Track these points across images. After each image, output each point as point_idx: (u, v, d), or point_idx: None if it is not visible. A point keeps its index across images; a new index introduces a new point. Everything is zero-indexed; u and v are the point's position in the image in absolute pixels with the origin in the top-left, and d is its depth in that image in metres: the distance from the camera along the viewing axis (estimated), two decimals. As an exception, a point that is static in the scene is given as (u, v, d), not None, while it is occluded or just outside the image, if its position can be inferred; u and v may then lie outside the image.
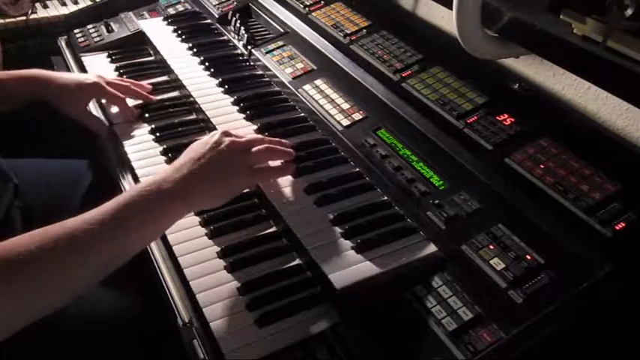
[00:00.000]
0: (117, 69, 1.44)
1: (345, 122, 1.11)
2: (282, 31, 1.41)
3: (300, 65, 1.28)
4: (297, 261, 0.92)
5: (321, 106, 1.16)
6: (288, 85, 1.24)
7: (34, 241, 0.71)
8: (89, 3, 2.08)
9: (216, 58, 1.40)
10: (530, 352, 0.70)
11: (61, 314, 0.76)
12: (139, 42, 1.57)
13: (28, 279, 0.70)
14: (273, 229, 0.98)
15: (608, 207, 0.81)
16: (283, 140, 1.02)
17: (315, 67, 1.26)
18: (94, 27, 1.62)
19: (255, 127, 1.15)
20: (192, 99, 1.27)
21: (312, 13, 1.40)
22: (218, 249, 0.93)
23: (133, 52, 1.54)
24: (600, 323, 0.76)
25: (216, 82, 1.31)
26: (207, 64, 1.36)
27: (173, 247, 0.93)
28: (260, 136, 1.01)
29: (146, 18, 1.64)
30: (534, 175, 0.88)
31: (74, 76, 1.29)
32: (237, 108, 1.22)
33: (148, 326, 1.04)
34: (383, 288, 0.83)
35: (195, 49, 1.43)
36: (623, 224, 0.79)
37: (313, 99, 1.18)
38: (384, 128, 1.07)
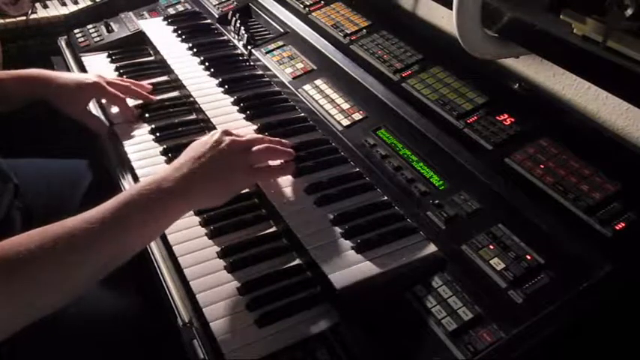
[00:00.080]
0: (117, 69, 1.44)
1: (345, 122, 1.11)
2: (282, 31, 1.41)
3: (300, 65, 1.28)
4: (297, 261, 0.92)
5: (321, 106, 1.16)
6: (288, 85, 1.24)
7: (33, 240, 0.71)
8: (89, 3, 2.08)
9: (216, 58, 1.40)
10: (530, 352, 0.70)
11: (60, 314, 0.76)
12: (139, 42, 1.57)
13: (28, 278, 0.70)
14: (273, 229, 0.98)
15: (608, 207, 0.81)
16: (283, 140, 1.02)
17: (315, 67, 1.26)
18: (94, 27, 1.62)
19: (255, 127, 1.15)
20: (192, 99, 1.27)
21: (312, 13, 1.40)
22: (218, 249, 0.93)
23: (133, 52, 1.54)
24: (600, 323, 0.76)
25: (216, 82, 1.31)
26: (207, 64, 1.36)
27: (173, 247, 0.93)
28: (260, 135, 1.01)
29: (146, 18, 1.64)
30: (534, 175, 0.88)
31: (74, 75, 1.29)
32: (237, 108, 1.22)
33: (148, 326, 1.04)
34: (383, 288, 0.83)
35: (195, 49, 1.43)
36: (623, 224, 0.79)
37: (313, 99, 1.18)
38: (384, 128, 1.07)
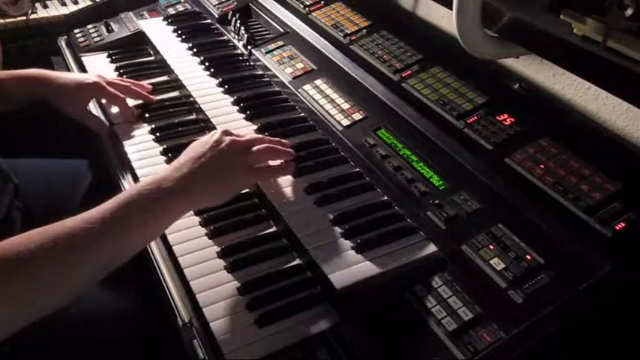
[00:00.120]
0: (117, 69, 1.44)
1: (345, 122, 1.11)
2: (282, 31, 1.41)
3: (300, 65, 1.28)
4: (297, 261, 0.92)
5: (321, 106, 1.16)
6: (288, 85, 1.24)
7: (33, 240, 0.71)
8: (89, 3, 2.08)
9: (216, 58, 1.40)
10: (530, 352, 0.70)
11: (61, 314, 0.76)
12: (139, 42, 1.57)
13: (28, 278, 0.70)
14: (273, 229, 0.98)
15: (608, 207, 0.81)
16: (283, 140, 1.02)
17: (315, 67, 1.26)
18: (94, 27, 1.62)
19: (255, 127, 1.15)
20: (192, 99, 1.27)
21: (312, 13, 1.40)
22: (218, 249, 0.93)
23: (133, 52, 1.54)
24: (600, 323, 0.76)
25: (216, 82, 1.31)
26: (207, 64, 1.36)
27: (173, 247, 0.93)
28: (260, 135, 1.01)
29: (146, 18, 1.64)
30: (534, 175, 0.88)
31: (74, 75, 1.29)
32: (237, 108, 1.22)
33: (148, 326, 1.04)
34: (383, 288, 0.83)
35: (195, 49, 1.43)
36: (623, 224, 0.79)
37: (313, 99, 1.18)
38: (384, 128, 1.07)
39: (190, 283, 0.87)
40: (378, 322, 0.78)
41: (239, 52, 1.43)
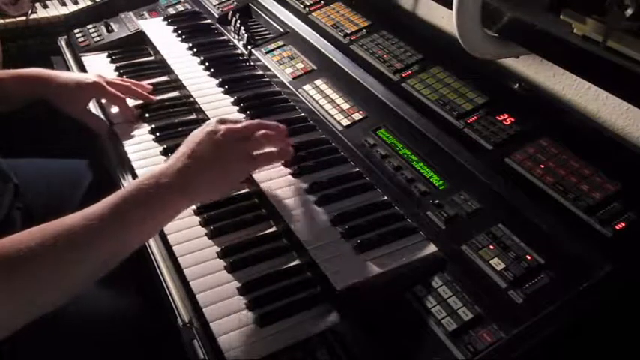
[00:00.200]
0: (117, 69, 1.44)
1: (345, 122, 1.11)
2: (282, 31, 1.41)
3: (300, 65, 1.28)
4: (297, 261, 0.92)
5: (321, 106, 1.16)
6: (288, 85, 1.24)
7: (34, 237, 0.71)
8: (89, 3, 2.07)
9: (216, 58, 1.40)
10: (530, 352, 0.70)
11: (61, 314, 0.76)
12: (139, 42, 1.57)
13: (28, 275, 0.70)
14: (273, 229, 0.98)
15: (608, 207, 0.81)
16: (281, 125, 0.99)
17: (315, 67, 1.26)
18: (94, 27, 1.62)
19: (255, 127, 1.15)
20: (192, 99, 1.27)
21: (312, 13, 1.40)
22: (218, 249, 0.93)
23: (133, 52, 1.54)
24: (600, 323, 0.76)
25: (216, 82, 1.31)
26: (207, 64, 1.36)
27: (173, 247, 0.93)
28: (256, 121, 0.98)
29: (146, 18, 1.64)
30: (534, 175, 0.88)
31: (74, 75, 1.29)
32: (237, 108, 1.22)
33: (148, 326, 1.04)
34: (383, 288, 0.83)
35: (195, 49, 1.43)
36: (623, 224, 0.79)
37: (313, 99, 1.18)
38: (384, 128, 1.07)
39: (190, 283, 0.87)
40: (378, 322, 0.78)
41: (239, 52, 1.43)
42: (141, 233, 0.82)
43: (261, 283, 0.86)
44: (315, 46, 1.30)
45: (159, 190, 0.81)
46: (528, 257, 0.79)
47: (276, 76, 1.29)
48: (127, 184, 1.11)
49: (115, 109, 1.28)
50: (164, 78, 1.43)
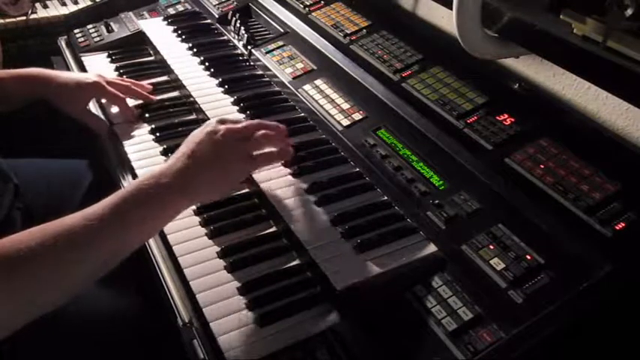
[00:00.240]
0: (117, 69, 1.44)
1: (345, 122, 1.11)
2: (282, 31, 1.41)
3: (300, 65, 1.28)
4: (297, 261, 0.92)
5: (321, 106, 1.16)
6: (288, 85, 1.24)
7: (34, 237, 0.71)
8: (89, 3, 2.07)
9: (216, 58, 1.40)
10: (530, 352, 0.70)
11: (61, 314, 0.76)
12: (139, 42, 1.57)
13: (28, 275, 0.70)
14: (273, 229, 0.98)
15: (608, 207, 0.81)
16: (281, 125, 0.99)
17: (315, 67, 1.26)
18: (94, 27, 1.62)
19: (255, 127, 1.15)
20: (192, 99, 1.27)
21: (312, 13, 1.40)
22: (218, 249, 0.93)
23: (133, 52, 1.54)
24: (600, 323, 0.76)
25: (216, 82, 1.31)
26: (207, 64, 1.36)
27: (173, 247, 0.93)
28: (256, 120, 0.98)
29: (146, 18, 1.64)
30: (534, 175, 0.88)
31: (74, 75, 1.29)
32: (238, 108, 1.22)
33: (148, 326, 1.04)
34: (383, 288, 0.83)
35: (195, 49, 1.43)
36: (623, 224, 0.79)
37: (313, 99, 1.18)
38: (384, 128, 1.07)
39: (190, 283, 0.87)
40: (378, 322, 0.78)
41: (239, 52, 1.43)
42: (141, 233, 0.82)
43: (261, 283, 0.86)
44: (315, 46, 1.30)
45: (159, 190, 0.81)
46: (528, 257, 0.79)
47: (276, 76, 1.29)
48: (127, 184, 1.11)
49: (115, 109, 1.28)
50: (164, 78, 1.43)
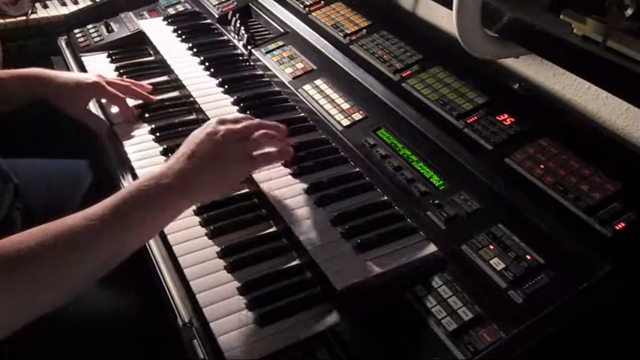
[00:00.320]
0: (117, 69, 1.44)
1: (345, 122, 1.11)
2: (282, 31, 1.41)
3: (300, 65, 1.28)
4: (297, 261, 0.92)
5: (321, 106, 1.16)
6: (288, 85, 1.24)
7: (34, 237, 0.71)
8: (89, 3, 2.08)
9: (216, 58, 1.40)
10: (530, 352, 0.70)
11: (61, 314, 0.76)
12: (139, 42, 1.57)
13: (28, 275, 0.70)
14: (273, 229, 0.98)
15: (608, 207, 0.81)
16: (281, 125, 0.99)
17: (315, 67, 1.26)
18: (94, 27, 1.62)
19: (255, 127, 1.15)
20: (192, 99, 1.27)
21: (312, 13, 1.40)
22: (218, 249, 0.93)
23: (133, 52, 1.54)
24: (600, 323, 0.76)
25: (216, 82, 1.31)
26: (207, 64, 1.36)
27: (173, 247, 0.93)
28: (256, 120, 0.98)
29: (146, 18, 1.64)
30: (534, 175, 0.88)
31: (74, 75, 1.29)
32: (237, 108, 1.22)
33: (148, 326, 1.04)
34: (383, 288, 0.83)
35: (195, 49, 1.43)
36: (623, 224, 0.79)
37: (313, 99, 1.18)
38: (384, 128, 1.07)
39: (190, 283, 0.87)
40: (378, 322, 0.78)
41: (239, 52, 1.43)
42: (141, 234, 0.82)
43: (261, 283, 0.86)
44: (315, 46, 1.30)
45: (159, 190, 0.81)
46: (528, 257, 0.79)
47: (276, 76, 1.29)
48: (127, 184, 1.11)
49: (115, 109, 1.28)
50: (164, 78, 1.43)
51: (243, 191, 1.05)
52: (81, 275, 0.76)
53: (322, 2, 1.42)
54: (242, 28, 1.44)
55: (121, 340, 1.01)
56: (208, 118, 1.19)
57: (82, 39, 1.57)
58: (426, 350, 0.74)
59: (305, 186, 0.99)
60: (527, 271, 0.78)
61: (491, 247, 0.82)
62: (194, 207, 0.99)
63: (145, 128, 1.23)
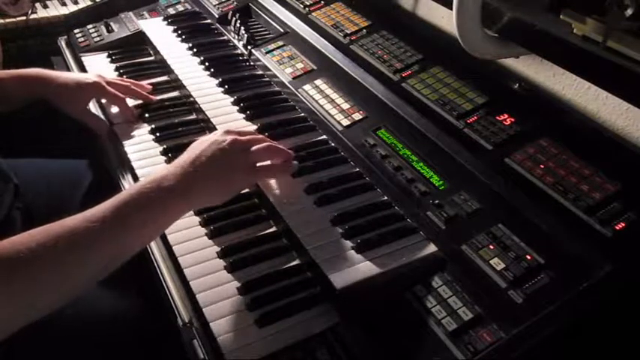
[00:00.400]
0: (117, 69, 1.44)
1: (345, 122, 1.11)
2: (282, 31, 1.41)
3: (300, 65, 1.28)
4: (297, 261, 0.92)
5: (321, 106, 1.16)
6: (288, 85, 1.24)
7: (34, 239, 0.71)
8: (89, 3, 2.08)
9: (216, 58, 1.40)
10: (530, 352, 0.70)
11: (61, 315, 0.76)
12: (139, 42, 1.57)
13: (28, 278, 0.70)
14: (273, 229, 0.98)
15: (608, 207, 0.81)
16: (289, 151, 1.01)
17: (315, 67, 1.26)
18: (94, 27, 1.62)
19: (255, 127, 1.15)
20: (192, 99, 1.27)
21: (312, 13, 1.40)
22: (218, 249, 0.93)
23: (133, 52, 1.54)
24: (600, 323, 0.76)
25: (216, 82, 1.31)
26: (207, 64, 1.36)
27: (173, 247, 0.93)
28: (261, 135, 1.01)
29: (146, 18, 1.64)
30: (534, 175, 0.88)
31: (74, 75, 1.29)
32: (237, 108, 1.22)
33: (148, 327, 1.04)
34: (383, 288, 0.83)
35: (195, 49, 1.43)
36: (623, 224, 0.79)
37: (313, 99, 1.18)
38: (384, 128, 1.07)
39: (190, 283, 0.87)
40: (378, 322, 0.78)
41: (239, 52, 1.43)
42: (142, 237, 0.82)
43: (261, 283, 0.87)
44: (315, 46, 1.30)
45: (160, 193, 0.81)
46: (528, 257, 0.79)
47: (276, 76, 1.29)
48: (127, 184, 1.11)
49: (115, 109, 1.29)
50: (164, 78, 1.43)
51: (243, 191, 1.04)
52: (81, 277, 0.76)
53: (322, 2, 1.42)
54: (242, 28, 1.44)
55: (120, 340, 1.01)
56: (208, 118, 1.19)
57: (82, 39, 1.57)
58: (426, 350, 0.74)
59: (305, 186, 0.99)
60: (527, 271, 0.78)
61: (491, 247, 0.82)
62: (194, 207, 0.99)
63: (145, 128, 1.23)
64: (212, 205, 0.96)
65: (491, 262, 0.80)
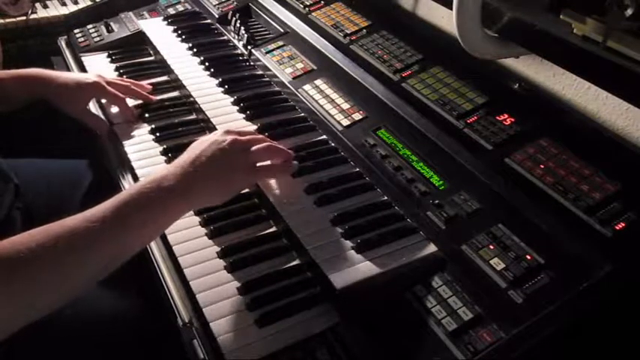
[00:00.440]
0: (117, 69, 1.44)
1: (345, 122, 1.11)
2: (282, 31, 1.41)
3: (300, 65, 1.28)
4: (297, 261, 0.92)
5: (321, 106, 1.16)
6: (288, 85, 1.24)
7: (34, 239, 0.71)
8: (89, 3, 2.08)
9: (216, 58, 1.40)
10: (530, 352, 0.70)
11: (61, 315, 0.76)
12: (139, 42, 1.57)
13: (28, 278, 0.70)
14: (273, 229, 0.98)
15: (608, 207, 0.81)
16: (289, 151, 1.01)
17: (315, 67, 1.26)
18: (94, 27, 1.62)
19: (255, 127, 1.15)
20: (192, 99, 1.27)
21: (312, 13, 1.40)
22: (218, 249, 0.93)
23: (133, 52, 1.54)
24: (600, 323, 0.76)
25: (216, 82, 1.31)
26: (207, 64, 1.36)
27: (173, 247, 0.93)
28: (261, 135, 1.01)
29: (146, 18, 1.64)
30: (534, 175, 0.88)
31: (74, 75, 1.29)
32: (237, 108, 1.22)
33: (148, 327, 1.04)
34: (383, 288, 0.83)
35: (195, 49, 1.43)
36: (623, 224, 0.79)
37: (313, 99, 1.18)
38: (384, 128, 1.07)
39: (190, 283, 0.87)
40: (378, 322, 0.78)
41: (239, 52, 1.43)
42: (142, 237, 0.82)
43: (261, 283, 0.87)
44: (315, 46, 1.30)
45: (160, 193, 0.81)
46: (528, 257, 0.79)
47: (276, 76, 1.29)
48: (127, 184, 1.11)
49: (115, 109, 1.29)
50: (164, 78, 1.43)
51: (243, 191, 1.04)
52: (81, 278, 0.76)
53: (322, 2, 1.42)
54: (242, 28, 1.44)
55: (120, 340, 1.01)
56: (208, 118, 1.19)
57: (82, 39, 1.57)
58: (426, 350, 0.74)
59: (305, 186, 0.99)
60: (527, 271, 0.78)
61: (491, 247, 0.82)
62: (194, 207, 0.99)
63: (145, 128, 1.23)
64: (212, 205, 0.96)
65: (491, 262, 0.80)
